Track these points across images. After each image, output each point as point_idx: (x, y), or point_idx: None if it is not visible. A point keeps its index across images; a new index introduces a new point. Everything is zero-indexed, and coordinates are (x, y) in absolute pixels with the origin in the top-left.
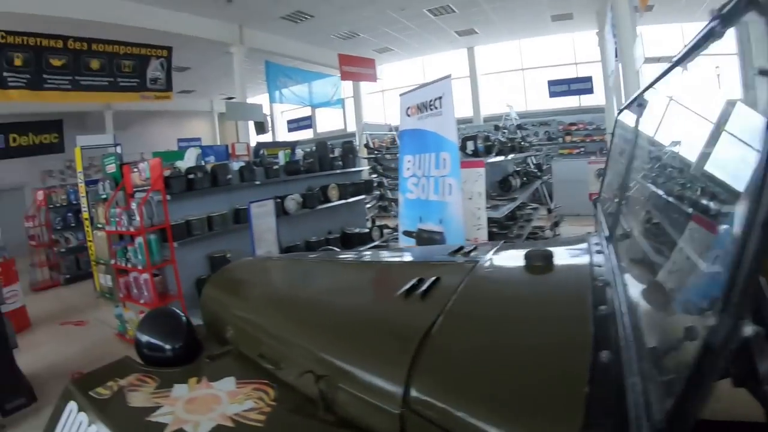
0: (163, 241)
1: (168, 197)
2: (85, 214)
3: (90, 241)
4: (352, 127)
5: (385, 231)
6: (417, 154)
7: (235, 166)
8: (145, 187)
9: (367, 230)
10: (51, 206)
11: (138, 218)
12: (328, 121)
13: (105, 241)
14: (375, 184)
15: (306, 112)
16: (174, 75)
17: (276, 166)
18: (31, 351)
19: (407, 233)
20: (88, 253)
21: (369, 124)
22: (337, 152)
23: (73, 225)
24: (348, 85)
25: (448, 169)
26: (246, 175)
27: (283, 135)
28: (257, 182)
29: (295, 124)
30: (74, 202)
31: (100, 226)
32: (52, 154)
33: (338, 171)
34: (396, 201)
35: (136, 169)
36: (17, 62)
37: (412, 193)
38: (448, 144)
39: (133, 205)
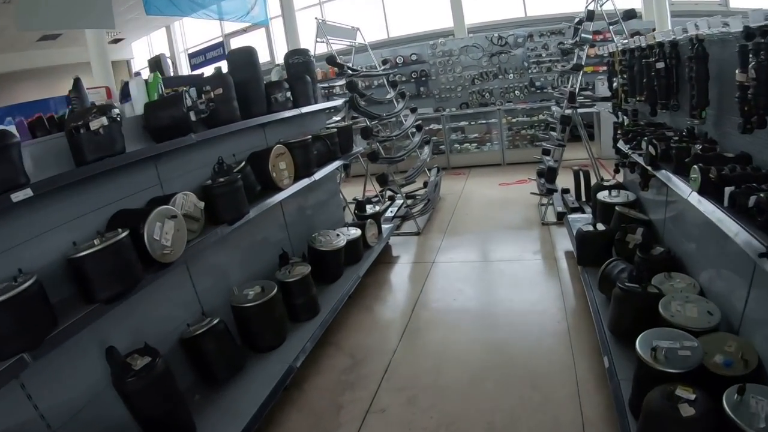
0: None
1: None
2: None
3: None
4: (281, 59)
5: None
6: None
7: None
8: None
9: (358, 233)
10: None
11: None
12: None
13: None
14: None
15: (215, 40)
16: None
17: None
18: None
19: None
20: None
21: (331, 24)
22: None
23: None
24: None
25: None
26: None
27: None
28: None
29: (200, 58)
30: None
31: None
32: None
33: (286, 113)
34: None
35: None
36: None
37: None
38: None
39: None
